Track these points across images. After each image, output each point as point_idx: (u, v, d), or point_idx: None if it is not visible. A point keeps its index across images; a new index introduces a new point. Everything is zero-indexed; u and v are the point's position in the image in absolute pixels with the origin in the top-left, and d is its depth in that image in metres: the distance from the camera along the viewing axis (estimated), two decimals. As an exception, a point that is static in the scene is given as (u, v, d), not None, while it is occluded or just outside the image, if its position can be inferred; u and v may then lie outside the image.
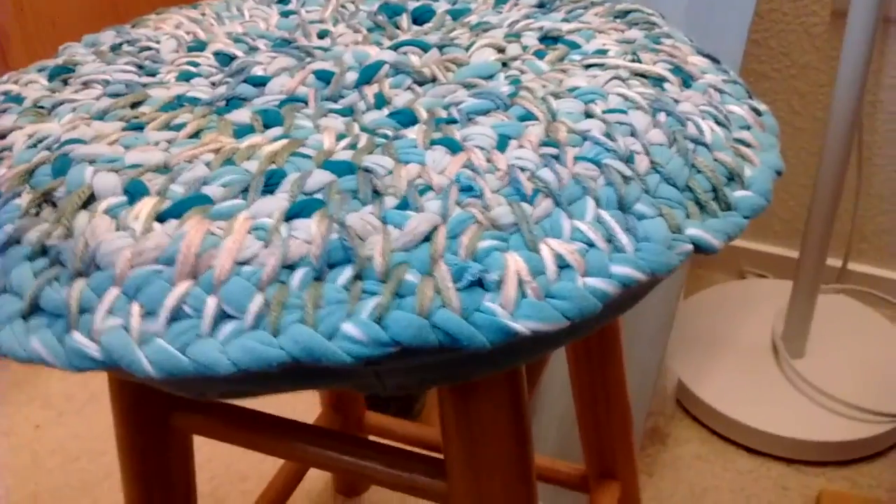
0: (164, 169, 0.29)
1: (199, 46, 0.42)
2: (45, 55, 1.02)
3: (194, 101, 0.35)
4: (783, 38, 1.09)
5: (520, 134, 0.30)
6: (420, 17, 0.45)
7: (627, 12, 0.43)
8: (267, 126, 0.33)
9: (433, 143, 0.30)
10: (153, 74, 0.39)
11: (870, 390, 0.96)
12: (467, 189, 0.27)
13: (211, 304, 0.24)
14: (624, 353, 0.57)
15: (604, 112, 0.32)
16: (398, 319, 0.24)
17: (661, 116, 0.33)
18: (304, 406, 0.96)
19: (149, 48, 0.42)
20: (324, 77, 0.36)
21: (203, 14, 0.47)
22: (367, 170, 0.28)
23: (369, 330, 0.24)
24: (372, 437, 0.74)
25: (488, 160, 0.29)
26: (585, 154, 0.30)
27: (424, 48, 0.38)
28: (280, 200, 0.27)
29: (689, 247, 0.29)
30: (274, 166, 0.29)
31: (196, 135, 0.32)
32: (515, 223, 0.27)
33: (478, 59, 0.38)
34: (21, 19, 1.00)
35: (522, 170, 0.28)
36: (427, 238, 0.26)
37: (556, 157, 0.29)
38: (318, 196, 0.27)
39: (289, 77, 0.37)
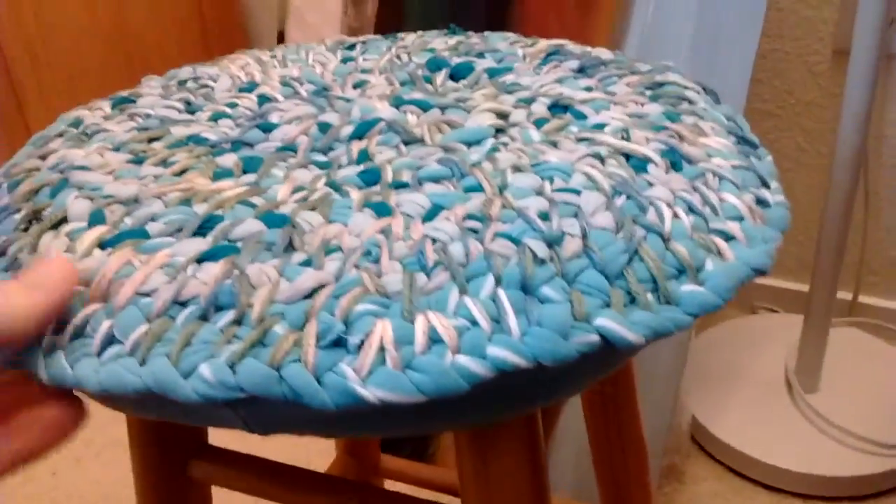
0: (132, 202, 0.32)
1: (250, 88, 0.45)
2: (61, 108, 1.09)
3: (201, 141, 0.38)
4: (786, 77, 1.12)
5: (453, 205, 0.31)
6: (458, 73, 0.46)
7: (663, 84, 0.42)
8: (245, 172, 0.35)
9: (367, 205, 0.31)
10: (193, 112, 0.43)
11: (885, 424, 0.96)
12: (367, 253, 0.28)
13: (104, 326, 0.27)
14: (638, 391, 0.54)
15: (554, 190, 0.32)
16: (248, 367, 0.25)
17: (620, 199, 0.32)
18: (318, 447, 0.96)
19: (207, 86, 0.46)
20: (324, 129, 0.38)
21: (273, 56, 0.51)
22: (294, 225, 0.30)
23: (219, 373, 0.25)
24: (388, 481, 0.75)
25: (407, 228, 0.29)
26: (509, 231, 0.29)
27: (424, 108, 0.39)
28: (202, 243, 0.29)
29: (594, 337, 0.27)
30: (219, 211, 0.31)
31: (181, 173, 0.35)
32: (400, 291, 0.27)
33: (472, 123, 0.38)
34: (37, 73, 1.07)
35: (434, 241, 0.29)
36: (310, 295, 0.27)
37: (476, 232, 0.29)
38: (239, 244, 0.29)
39: (295, 126, 0.39)
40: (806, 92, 1.12)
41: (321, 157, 0.37)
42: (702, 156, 0.36)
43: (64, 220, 0.32)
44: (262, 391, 0.25)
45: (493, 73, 0.45)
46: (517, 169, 0.33)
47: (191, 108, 0.43)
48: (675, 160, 0.35)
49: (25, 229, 0.33)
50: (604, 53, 0.48)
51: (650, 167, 0.34)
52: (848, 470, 0.91)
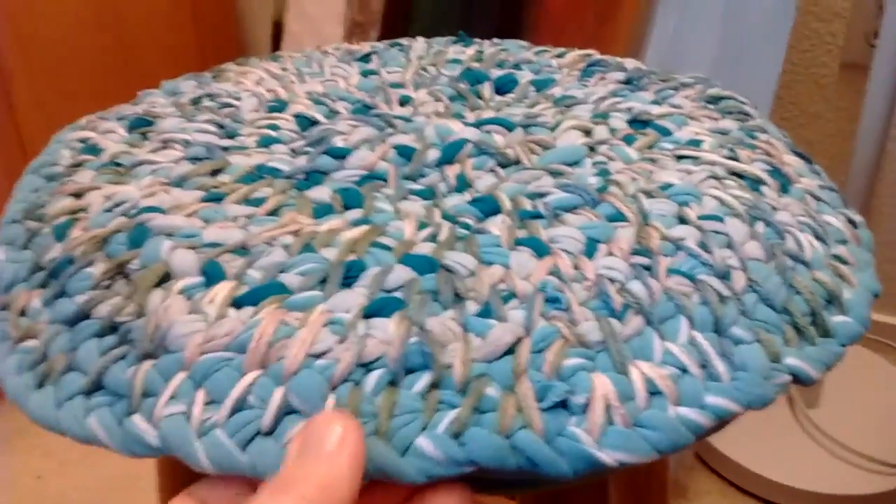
0: (241, 250, 0.28)
1: (280, 106, 0.41)
2: (48, 94, 1.01)
3: (274, 173, 0.34)
4: (792, 89, 1.12)
5: (609, 238, 0.29)
6: (503, 86, 0.44)
7: (720, 98, 0.42)
8: (346, 206, 0.32)
9: (518, 242, 0.29)
10: (232, 136, 0.38)
11: (885, 442, 0.96)
12: (553, 300, 0.26)
13: (277, 395, 0.23)
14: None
15: (699, 218, 0.31)
16: (477, 437, 0.22)
17: (759, 226, 0.31)
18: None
19: (229, 105, 0.42)
20: (405, 153, 0.36)
21: (284, 69, 0.47)
22: (448, 269, 0.27)
23: (445, 447, 0.22)
24: None
25: (575, 267, 0.28)
26: (679, 267, 0.28)
27: (509, 127, 0.37)
28: (358, 296, 0.26)
29: (788, 378, 0.27)
30: (353, 256, 0.28)
31: (275, 212, 0.31)
32: (603, 341, 0.25)
33: (564, 141, 0.36)
34: (25, 55, 1.01)
35: (612, 281, 0.27)
36: (510, 350, 0.24)
37: (648, 269, 0.28)
38: (398, 294, 0.26)
39: (369, 150, 0.36)
40: (811, 104, 1.11)
41: (415, 186, 0.34)
42: (795, 176, 0.36)
43: (167, 276, 0.28)
44: (495, 463, 0.22)
45: (539, 86, 0.44)
46: (647, 194, 0.32)
47: (227, 132, 0.39)
48: (782, 181, 0.35)
49: (108, 286, 0.28)
50: (636, 64, 0.47)
51: (763, 189, 0.34)
52: (848, 488, 0.92)
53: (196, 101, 0.42)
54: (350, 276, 0.27)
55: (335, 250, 0.28)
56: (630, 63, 0.48)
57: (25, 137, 0.98)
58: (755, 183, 0.34)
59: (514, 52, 0.49)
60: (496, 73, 0.45)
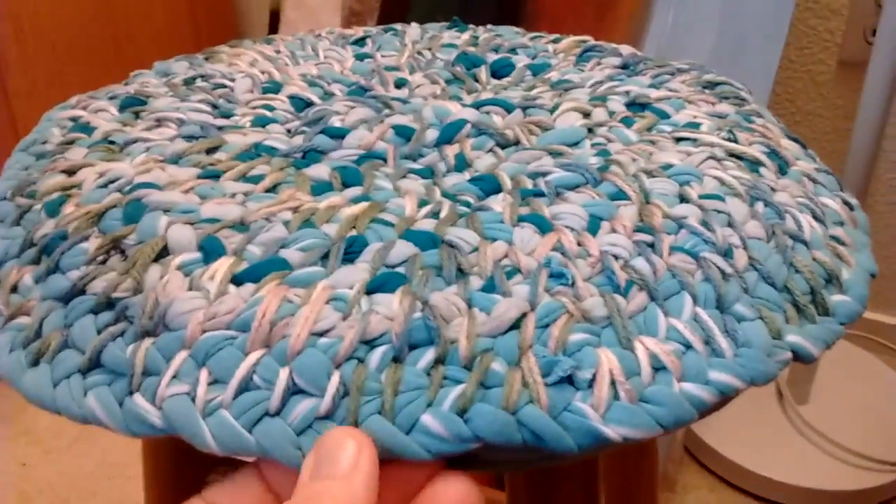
0: (240, 226, 0.28)
1: (275, 88, 0.41)
2: (42, 79, 1.00)
3: (271, 151, 0.34)
4: (789, 85, 1.12)
5: (612, 216, 0.29)
6: (499, 70, 0.44)
7: (716, 84, 0.42)
8: (346, 184, 0.31)
9: (520, 219, 0.28)
10: (228, 116, 0.38)
11: (873, 438, 0.96)
12: (558, 275, 0.26)
13: (283, 375, 0.23)
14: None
15: (700, 197, 0.31)
16: (482, 413, 0.22)
17: (759, 206, 0.31)
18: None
19: (223, 85, 0.41)
20: (403, 133, 0.35)
21: (277, 52, 0.47)
22: (450, 244, 0.27)
23: (450, 424, 0.22)
24: None
25: (579, 243, 0.27)
26: (682, 244, 0.28)
27: (508, 108, 0.37)
28: (360, 271, 0.26)
29: (789, 355, 0.27)
30: (354, 232, 0.28)
31: (273, 189, 0.31)
32: (608, 316, 0.25)
33: (563, 123, 0.36)
34: (20, 42, 1.00)
35: (616, 257, 0.27)
36: (515, 325, 0.24)
37: (651, 246, 0.28)
38: (401, 270, 0.26)
39: (367, 130, 0.35)
40: (807, 101, 1.11)
41: (414, 165, 0.34)
42: (792, 159, 0.36)
43: (165, 251, 0.27)
44: (501, 439, 0.22)
45: (535, 70, 0.44)
46: (648, 174, 0.32)
47: (222, 112, 0.38)
48: (780, 163, 0.35)
49: (104, 261, 0.28)
50: (631, 50, 0.47)
51: (762, 170, 0.34)
52: (837, 483, 0.92)
53: (189, 82, 0.42)
54: (351, 251, 0.27)
55: (336, 226, 0.28)
56: (626, 49, 0.47)
57: (20, 125, 0.97)
58: (754, 164, 0.34)
59: (509, 38, 0.49)
60: (492, 56, 0.45)
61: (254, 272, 0.26)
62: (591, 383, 0.23)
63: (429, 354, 0.23)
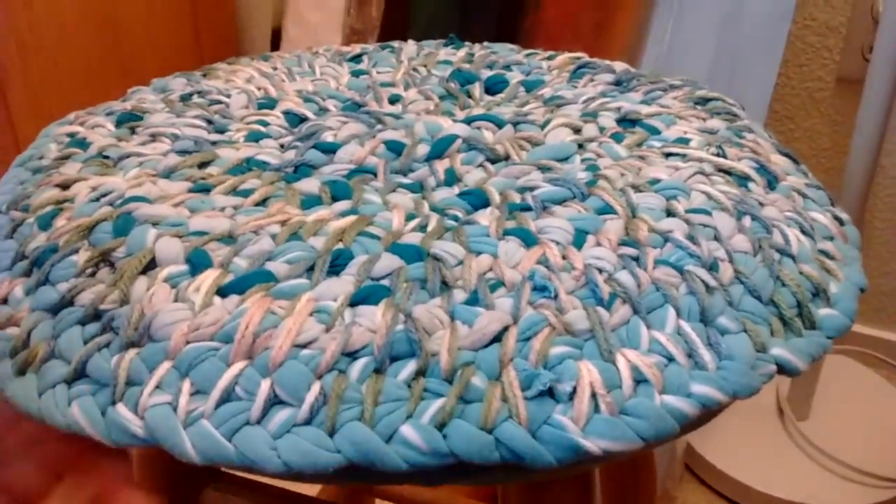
0: (228, 238, 0.28)
1: (270, 104, 0.41)
2: (44, 94, 1.01)
3: (262, 166, 0.34)
4: (787, 103, 1.11)
5: (598, 229, 0.29)
6: (493, 86, 0.44)
7: (708, 100, 0.42)
8: (335, 198, 0.32)
9: (506, 232, 0.29)
10: (222, 131, 0.38)
11: (874, 454, 0.95)
12: (541, 288, 0.26)
13: (264, 387, 0.23)
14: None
15: (686, 211, 0.31)
16: (460, 430, 0.22)
17: (746, 221, 0.31)
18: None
19: (219, 101, 0.42)
20: (394, 148, 0.35)
21: (275, 68, 0.47)
22: (436, 257, 0.27)
23: (429, 437, 0.22)
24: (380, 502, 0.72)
25: (564, 257, 0.27)
26: (666, 258, 0.28)
27: (499, 124, 0.37)
28: (345, 283, 0.26)
29: (773, 367, 0.27)
30: (341, 245, 0.28)
31: (263, 202, 0.31)
32: (590, 329, 0.25)
33: (553, 138, 0.37)
34: (23, 57, 1.00)
35: (600, 271, 0.27)
36: (497, 338, 0.24)
37: (636, 259, 0.28)
38: (385, 282, 0.26)
39: (359, 145, 0.36)
40: (806, 118, 1.11)
41: (404, 179, 0.34)
42: (781, 174, 0.36)
43: (152, 264, 0.27)
44: (479, 457, 0.22)
45: (529, 87, 0.44)
46: (636, 188, 0.32)
47: (217, 127, 0.39)
48: (769, 178, 0.35)
49: (93, 274, 0.28)
50: (625, 66, 0.48)
51: (751, 185, 0.34)
52: (837, 500, 0.91)
53: (186, 98, 0.42)
54: (337, 264, 0.27)
55: (323, 239, 0.28)
56: (619, 66, 0.48)
57: (22, 140, 0.98)
58: (742, 179, 0.34)
59: (504, 55, 0.49)
60: (486, 73, 0.45)
61: (239, 284, 0.26)
62: (571, 396, 0.23)
63: (410, 366, 0.23)
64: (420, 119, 0.38)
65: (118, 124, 0.39)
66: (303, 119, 0.40)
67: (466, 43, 0.53)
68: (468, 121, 0.37)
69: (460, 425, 0.22)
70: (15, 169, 0.38)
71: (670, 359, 0.25)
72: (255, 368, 0.24)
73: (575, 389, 0.23)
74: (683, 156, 0.35)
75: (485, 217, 0.30)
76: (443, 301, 0.25)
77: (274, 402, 0.23)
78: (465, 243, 0.28)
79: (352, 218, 0.29)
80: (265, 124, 0.39)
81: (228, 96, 0.42)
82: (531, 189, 0.32)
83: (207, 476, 0.43)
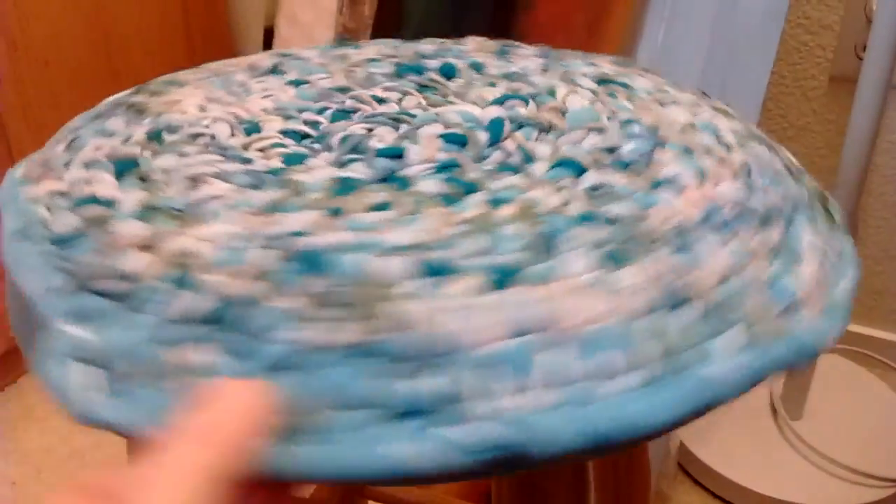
0: (433, 244, 0.28)
1: (254, 128, 0.38)
2: (34, 94, 1.01)
3: (351, 183, 0.32)
4: (781, 101, 1.12)
5: (707, 169, 0.33)
6: (447, 73, 0.45)
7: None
8: (466, 192, 0.32)
9: (654, 185, 0.31)
10: (245, 161, 0.35)
11: (868, 454, 0.96)
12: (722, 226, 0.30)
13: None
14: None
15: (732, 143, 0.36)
16: None
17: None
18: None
19: (200, 135, 0.37)
20: (454, 140, 0.36)
21: (213, 93, 0.43)
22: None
23: None
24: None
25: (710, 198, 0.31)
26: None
27: (525, 101, 0.39)
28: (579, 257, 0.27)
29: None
30: (539, 227, 0.29)
31: (413, 213, 0.30)
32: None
33: (576, 105, 0.39)
34: (13, 58, 1.00)
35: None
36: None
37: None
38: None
39: (415, 144, 0.35)
40: (799, 117, 1.12)
41: (488, 166, 0.34)
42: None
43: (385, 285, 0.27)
44: None
45: (477, 69, 0.45)
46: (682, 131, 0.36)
47: (241, 159, 0.35)
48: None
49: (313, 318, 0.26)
50: (543, 47, 0.50)
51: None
52: (831, 500, 0.92)
53: (155, 137, 0.37)
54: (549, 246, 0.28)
55: (518, 226, 0.29)
56: (534, 47, 0.50)
57: (13, 141, 0.97)
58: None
59: (413, 47, 0.49)
60: (432, 63, 0.45)
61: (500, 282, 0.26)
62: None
63: None
64: (446, 110, 0.38)
65: (119, 175, 0.34)
66: (304, 136, 0.37)
67: (361, 42, 0.52)
68: (500, 101, 0.39)
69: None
70: (23, 245, 0.32)
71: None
72: None
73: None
74: (676, 102, 0.39)
75: (613, 178, 0.32)
76: None
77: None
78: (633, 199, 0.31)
79: (516, 206, 0.30)
80: (282, 146, 0.36)
81: (206, 127, 0.38)
82: (612, 150, 0.34)
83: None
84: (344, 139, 0.36)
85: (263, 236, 0.29)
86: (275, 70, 0.47)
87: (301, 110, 0.40)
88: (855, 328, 1.20)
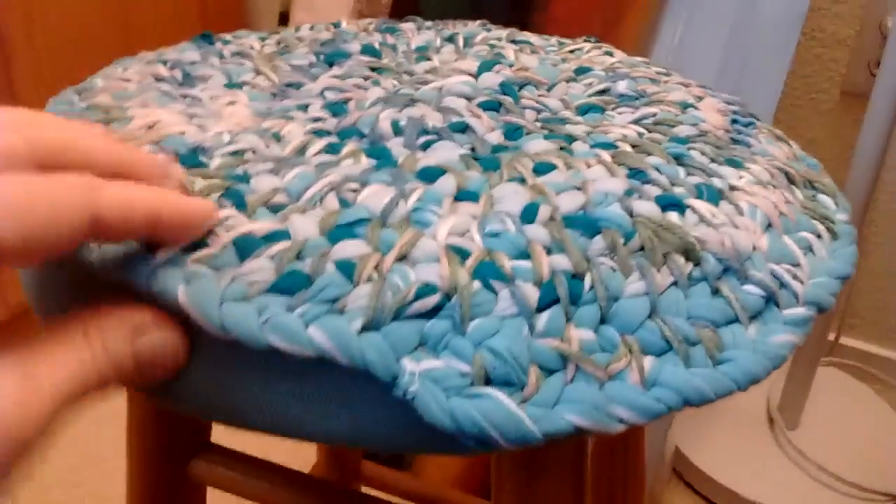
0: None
1: (275, 136, 0.35)
2: (50, 68, 1.01)
3: (492, 161, 0.32)
4: (791, 113, 1.12)
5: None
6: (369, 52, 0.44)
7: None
8: (571, 142, 0.34)
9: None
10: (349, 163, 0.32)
11: (863, 468, 0.97)
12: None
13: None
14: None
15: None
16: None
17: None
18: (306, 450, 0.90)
19: (242, 151, 0.33)
20: (489, 106, 0.37)
21: (191, 114, 0.37)
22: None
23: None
24: (365, 489, 0.72)
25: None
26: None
27: (509, 65, 0.41)
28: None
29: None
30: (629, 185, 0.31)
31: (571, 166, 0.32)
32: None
33: (531, 63, 0.42)
34: (28, 34, 1.01)
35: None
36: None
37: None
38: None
39: (474, 118, 0.35)
40: (809, 129, 1.12)
41: (538, 126, 0.36)
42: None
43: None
44: None
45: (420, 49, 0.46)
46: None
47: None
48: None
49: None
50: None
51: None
52: None
53: (193, 163, 0.32)
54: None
55: (655, 158, 0.32)
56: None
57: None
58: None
59: (318, 31, 0.48)
60: (354, 46, 0.43)
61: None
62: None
63: None
64: (450, 79, 0.39)
65: (187, 165, 0.31)
66: (305, 145, 0.34)
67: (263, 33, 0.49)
68: (487, 67, 0.41)
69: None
70: None
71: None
72: None
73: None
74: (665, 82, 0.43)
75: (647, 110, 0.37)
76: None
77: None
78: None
79: (627, 144, 0.33)
80: (303, 152, 0.33)
81: (233, 144, 0.33)
82: (605, 91, 0.39)
83: (195, 447, 0.43)
84: (395, 124, 0.34)
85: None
86: (186, 81, 0.41)
87: (295, 109, 0.37)
88: (855, 343, 1.20)
